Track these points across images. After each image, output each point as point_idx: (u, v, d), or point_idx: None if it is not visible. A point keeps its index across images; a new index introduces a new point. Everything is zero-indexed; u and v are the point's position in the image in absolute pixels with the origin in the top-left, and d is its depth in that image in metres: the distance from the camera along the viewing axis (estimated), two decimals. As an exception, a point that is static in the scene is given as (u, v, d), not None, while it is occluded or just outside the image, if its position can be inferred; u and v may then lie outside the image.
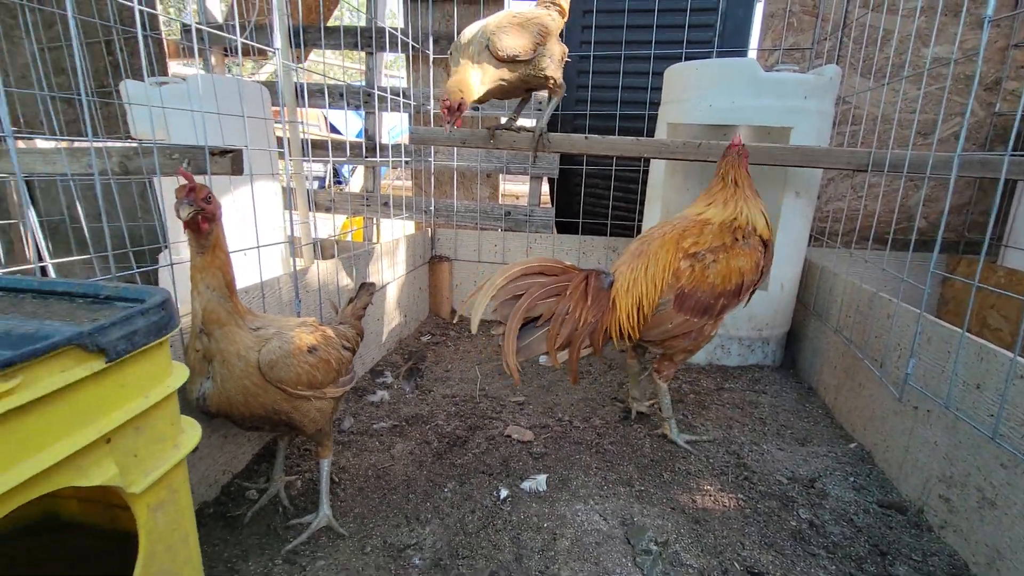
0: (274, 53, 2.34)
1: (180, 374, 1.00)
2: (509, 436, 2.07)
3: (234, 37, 2.02)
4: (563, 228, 3.58)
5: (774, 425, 2.21)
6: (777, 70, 2.47)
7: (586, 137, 2.49)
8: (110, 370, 0.82)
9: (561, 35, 2.27)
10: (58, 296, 0.97)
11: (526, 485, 1.77)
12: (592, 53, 3.22)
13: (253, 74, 6.02)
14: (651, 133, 3.02)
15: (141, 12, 1.39)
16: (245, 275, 1.69)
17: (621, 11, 3.14)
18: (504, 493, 1.72)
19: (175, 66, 4.87)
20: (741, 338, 2.75)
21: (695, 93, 2.54)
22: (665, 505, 1.70)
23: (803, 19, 3.24)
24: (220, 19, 4.21)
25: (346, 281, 2.40)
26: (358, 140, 4.13)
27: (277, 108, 2.84)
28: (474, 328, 1.74)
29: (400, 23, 3.73)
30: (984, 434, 1.43)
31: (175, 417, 0.99)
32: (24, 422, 0.71)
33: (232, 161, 1.65)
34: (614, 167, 3.22)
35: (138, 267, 1.63)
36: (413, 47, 3.53)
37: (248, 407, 1.38)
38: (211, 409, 1.36)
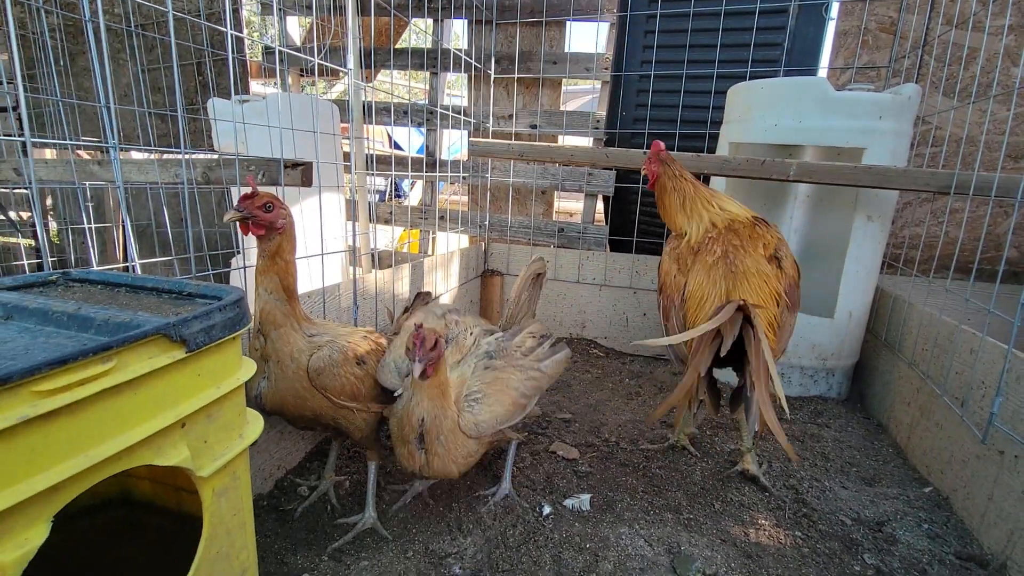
0: (346, 73, 2.48)
1: (248, 368, 1.07)
2: (554, 452, 2.05)
3: (311, 58, 2.16)
4: (616, 247, 3.55)
5: (838, 461, 2.08)
6: (850, 89, 2.37)
7: (644, 152, 2.48)
8: (189, 360, 0.89)
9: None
10: (148, 291, 1.06)
11: (569, 503, 1.74)
12: (652, 72, 3.21)
13: (325, 92, 6.38)
14: (711, 152, 2.96)
15: (231, 37, 1.52)
16: (308, 281, 1.78)
17: (684, 30, 3.12)
18: (547, 510, 1.71)
19: (255, 85, 5.24)
20: (803, 367, 2.61)
21: (760, 112, 2.48)
22: (715, 536, 1.62)
23: (879, 36, 3.10)
24: (298, 42, 4.51)
25: (402, 290, 2.48)
26: (419, 156, 4.28)
27: (346, 124, 2.99)
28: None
29: (464, 45, 3.86)
30: (1084, 487, 1.29)
31: (242, 408, 1.06)
32: (115, 402, 0.78)
33: (302, 173, 1.75)
34: (671, 186, 3.17)
35: (212, 270, 1.75)
36: (475, 67, 3.64)
37: (297, 408, 1.43)
38: (266, 406, 1.43)
